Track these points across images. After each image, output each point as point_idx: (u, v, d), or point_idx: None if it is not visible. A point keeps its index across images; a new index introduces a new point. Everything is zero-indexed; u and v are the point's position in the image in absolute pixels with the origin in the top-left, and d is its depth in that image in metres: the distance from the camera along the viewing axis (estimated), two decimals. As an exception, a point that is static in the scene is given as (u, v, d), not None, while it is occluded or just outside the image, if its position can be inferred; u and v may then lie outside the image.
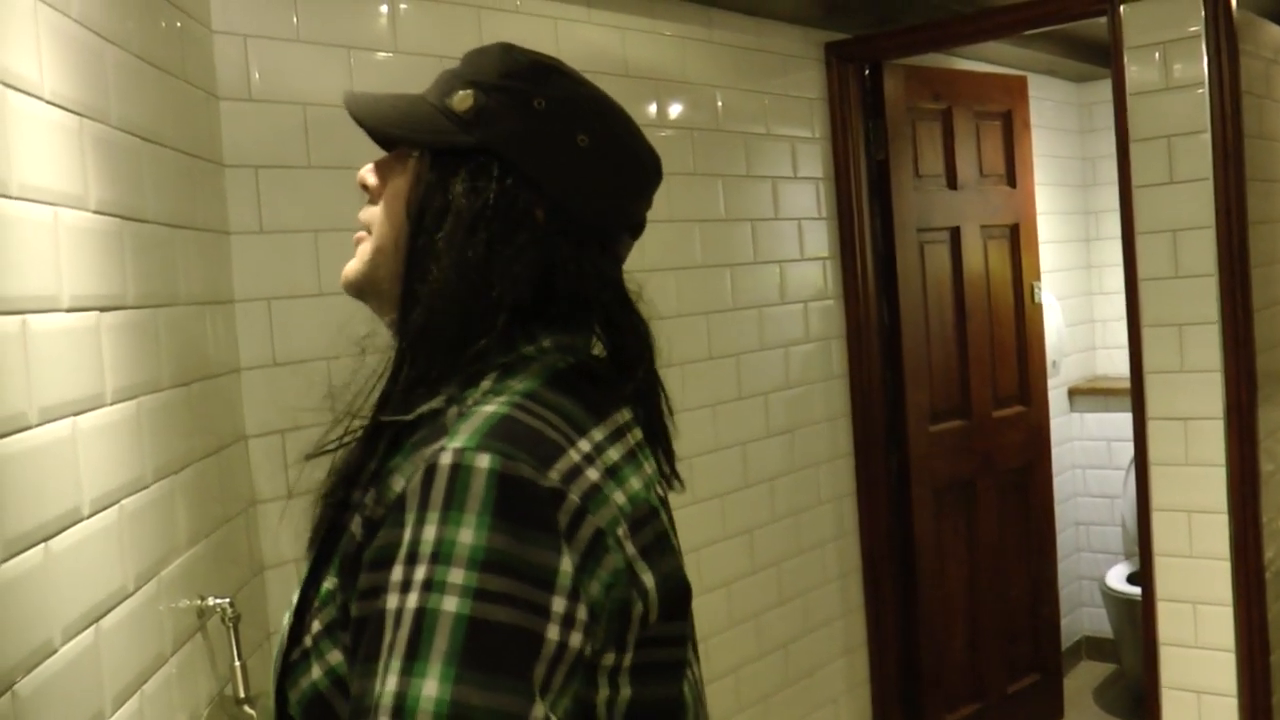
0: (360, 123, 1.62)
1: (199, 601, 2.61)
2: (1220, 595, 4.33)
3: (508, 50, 1.63)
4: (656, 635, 1.47)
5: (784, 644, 4.88)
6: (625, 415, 1.60)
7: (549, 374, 1.51)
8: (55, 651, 1.88)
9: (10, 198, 1.84)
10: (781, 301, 4.88)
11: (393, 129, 1.61)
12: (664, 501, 1.63)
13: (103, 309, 2.19)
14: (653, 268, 4.26)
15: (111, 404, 2.21)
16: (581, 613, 1.32)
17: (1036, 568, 6.01)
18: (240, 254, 3.13)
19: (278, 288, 3.20)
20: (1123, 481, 6.72)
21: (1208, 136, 4.19)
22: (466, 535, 1.29)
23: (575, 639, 1.32)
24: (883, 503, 5.29)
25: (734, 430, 4.65)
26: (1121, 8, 4.33)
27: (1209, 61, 4.19)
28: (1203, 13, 4.18)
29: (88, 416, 2.09)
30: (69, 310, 2.04)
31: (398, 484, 1.37)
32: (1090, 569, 7.11)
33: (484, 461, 1.32)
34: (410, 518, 1.32)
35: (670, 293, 4.35)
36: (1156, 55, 4.29)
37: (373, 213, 1.63)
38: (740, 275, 4.69)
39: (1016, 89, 5.88)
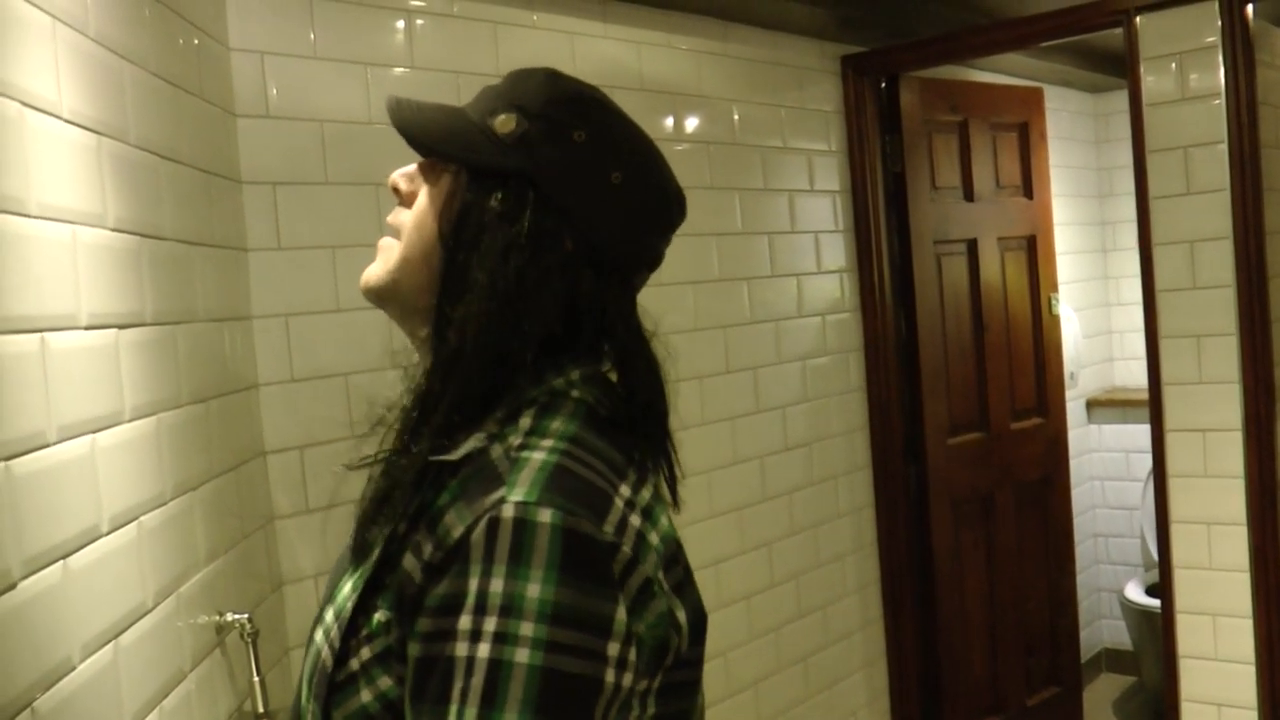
0: (403, 131, 1.62)
1: (218, 617, 2.62)
2: (1240, 607, 4.32)
3: (553, 78, 1.66)
4: (681, 660, 1.51)
5: (804, 657, 4.88)
6: (641, 449, 1.62)
7: (584, 413, 1.55)
8: (74, 669, 1.88)
9: (29, 216, 1.85)
10: (799, 314, 4.89)
11: (436, 143, 1.62)
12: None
13: (121, 326, 2.20)
14: (671, 281, 4.26)
15: (130, 421, 2.21)
16: (632, 654, 1.40)
17: (1055, 580, 5.99)
18: (258, 270, 3.14)
19: (295, 304, 3.20)
20: (1141, 493, 6.70)
21: (1224, 147, 4.18)
22: (534, 590, 1.34)
23: (627, 679, 1.39)
24: (901, 515, 5.28)
25: (752, 444, 4.65)
26: (1137, 18, 4.33)
27: (1225, 72, 4.18)
28: (1219, 23, 4.18)
29: (106, 434, 2.10)
30: (87, 328, 2.05)
31: (456, 529, 1.40)
32: (1109, 581, 7.09)
33: (546, 516, 1.37)
34: (476, 569, 1.36)
35: (688, 306, 4.36)
36: (1173, 66, 4.28)
37: (402, 218, 1.64)
38: (757, 288, 4.69)
39: (1032, 100, 5.87)
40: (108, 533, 2.07)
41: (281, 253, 3.17)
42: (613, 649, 1.37)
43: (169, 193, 2.52)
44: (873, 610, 5.25)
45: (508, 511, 1.37)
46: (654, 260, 1.71)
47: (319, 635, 1.57)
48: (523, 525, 1.36)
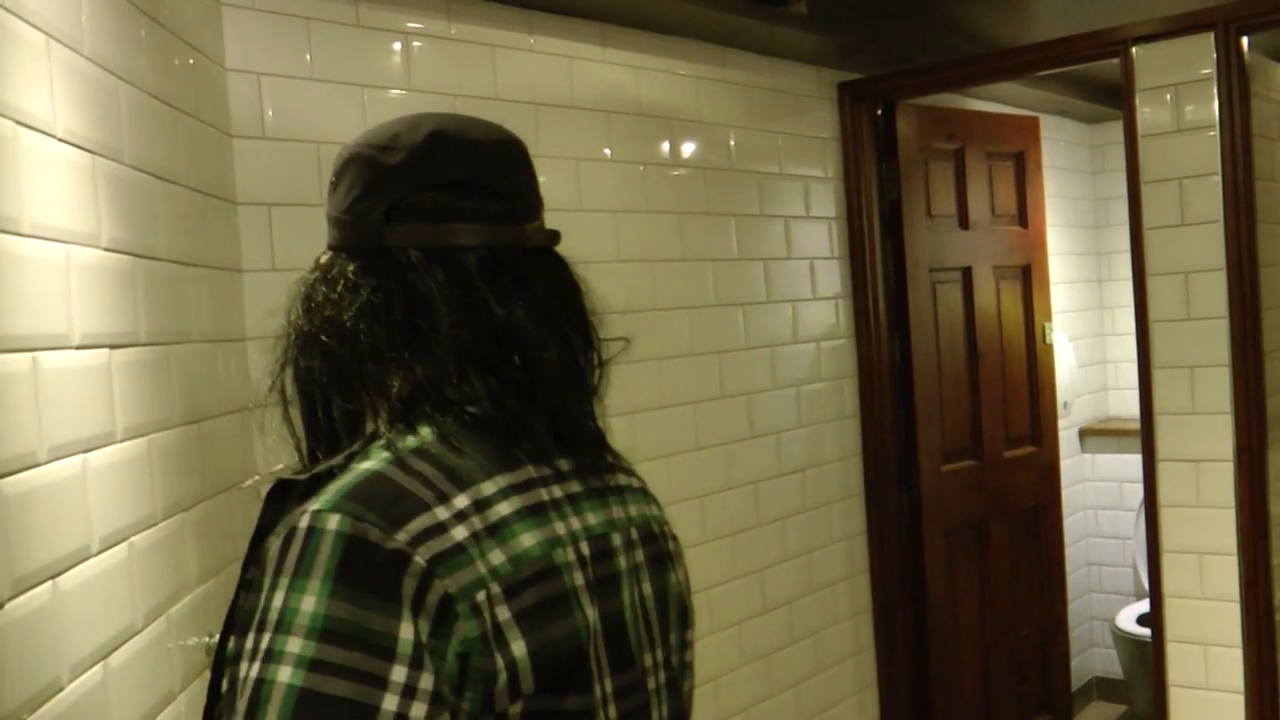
0: None
1: (208, 639, 2.61)
2: (1230, 637, 4.32)
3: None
4: (542, 709, 1.40)
5: (795, 683, 4.87)
6: (548, 470, 1.52)
7: (467, 424, 1.48)
8: (63, 689, 1.88)
9: (22, 236, 1.85)
10: (794, 341, 4.89)
11: None
12: (598, 557, 1.52)
13: (114, 346, 2.20)
14: (667, 306, 4.27)
15: (122, 441, 2.21)
16: (427, 682, 1.29)
17: (1048, 608, 5.99)
18: (252, 292, 3.13)
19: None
20: (1134, 523, 6.70)
21: (1219, 179, 4.19)
22: (308, 603, 1.28)
23: (418, 710, 1.28)
24: (894, 542, 5.28)
25: (746, 469, 4.65)
26: (1133, 49, 4.34)
27: (1220, 104, 4.19)
28: (1214, 55, 4.19)
29: (98, 454, 2.10)
30: (79, 348, 2.05)
31: (272, 544, 1.36)
32: (1101, 610, 7.09)
33: (333, 523, 1.32)
34: (267, 582, 1.32)
35: (683, 331, 4.36)
36: (1168, 97, 4.29)
37: None
38: (753, 314, 4.69)
39: (1029, 129, 5.89)
40: (98, 553, 2.06)
41: (276, 274, 3.17)
42: (396, 673, 1.27)
43: (163, 213, 2.52)
44: (865, 637, 5.25)
45: (304, 521, 1.33)
46: (483, 206, 1.59)
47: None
48: (310, 533, 1.31)
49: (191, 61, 2.83)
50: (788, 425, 4.86)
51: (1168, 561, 4.42)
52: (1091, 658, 7.13)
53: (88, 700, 1.97)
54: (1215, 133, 4.20)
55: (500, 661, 1.34)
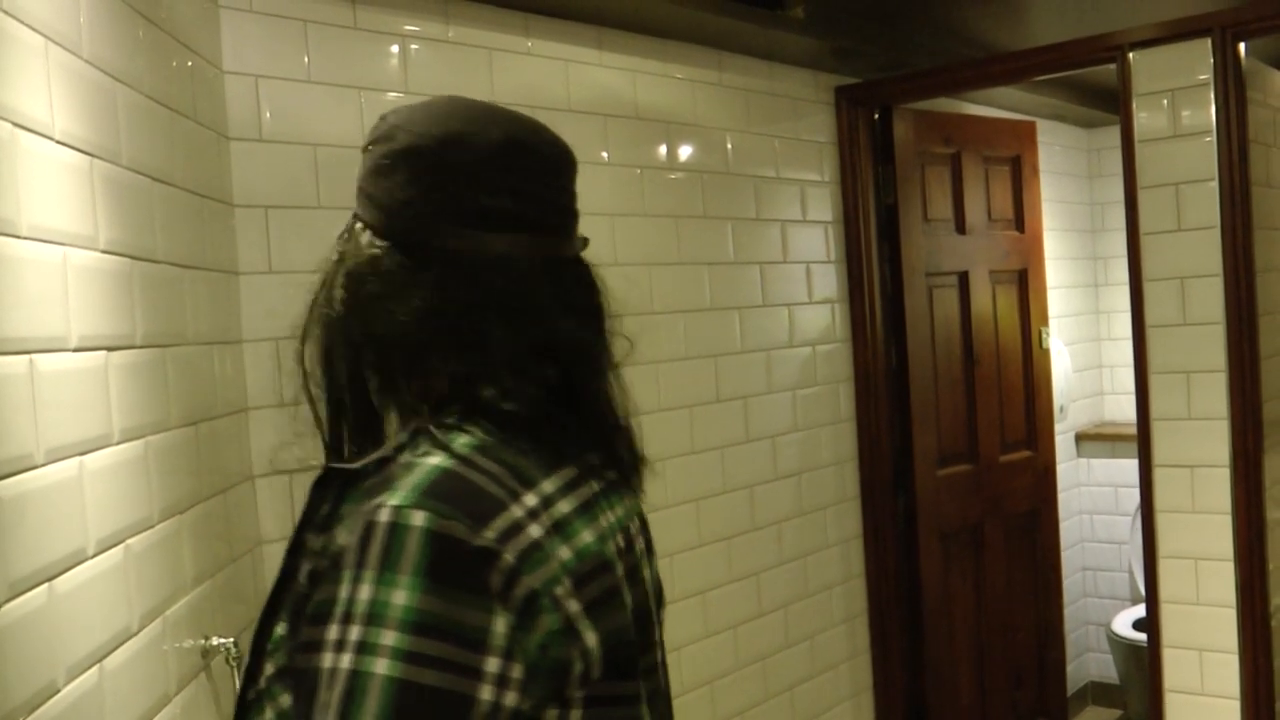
0: None
1: (204, 641, 2.61)
2: (1226, 643, 4.32)
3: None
4: (604, 694, 1.46)
5: (791, 686, 4.87)
6: (585, 461, 1.57)
7: (504, 422, 1.50)
8: (59, 692, 1.88)
9: (20, 238, 1.85)
10: (790, 344, 4.89)
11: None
12: (627, 548, 1.59)
13: (110, 349, 2.19)
14: (663, 310, 4.27)
15: (118, 444, 2.21)
16: (516, 671, 1.33)
17: (1043, 612, 5.99)
18: (249, 294, 3.13)
19: (286, 328, 3.18)
20: (1130, 528, 6.70)
21: (1215, 184, 4.19)
22: (400, 596, 1.29)
23: (510, 698, 1.32)
24: (890, 546, 5.28)
25: (742, 473, 4.65)
26: (1130, 55, 4.34)
27: (1217, 109, 4.19)
28: (1211, 60, 4.19)
29: (94, 456, 2.10)
30: (76, 350, 2.05)
31: (341, 536, 1.38)
32: (1097, 614, 7.09)
33: (418, 520, 1.33)
34: (347, 575, 1.33)
35: (679, 335, 4.36)
36: (1165, 102, 4.30)
37: None
38: (749, 318, 4.69)
39: (1025, 134, 5.89)
40: (94, 555, 2.06)
41: (273, 276, 3.17)
42: (490, 664, 1.31)
43: (161, 215, 2.52)
44: (860, 641, 5.25)
45: (383, 515, 1.34)
46: (544, 217, 1.62)
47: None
48: (394, 529, 1.32)
49: (189, 64, 2.83)
50: (783, 429, 4.86)
51: (1164, 567, 4.42)
52: (1087, 662, 7.13)
53: (84, 703, 1.97)
54: (1212, 138, 4.20)
55: (575, 652, 1.40)
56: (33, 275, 1.90)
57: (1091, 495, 7.14)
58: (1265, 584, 4.26)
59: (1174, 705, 4.46)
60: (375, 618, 1.29)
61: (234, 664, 2.67)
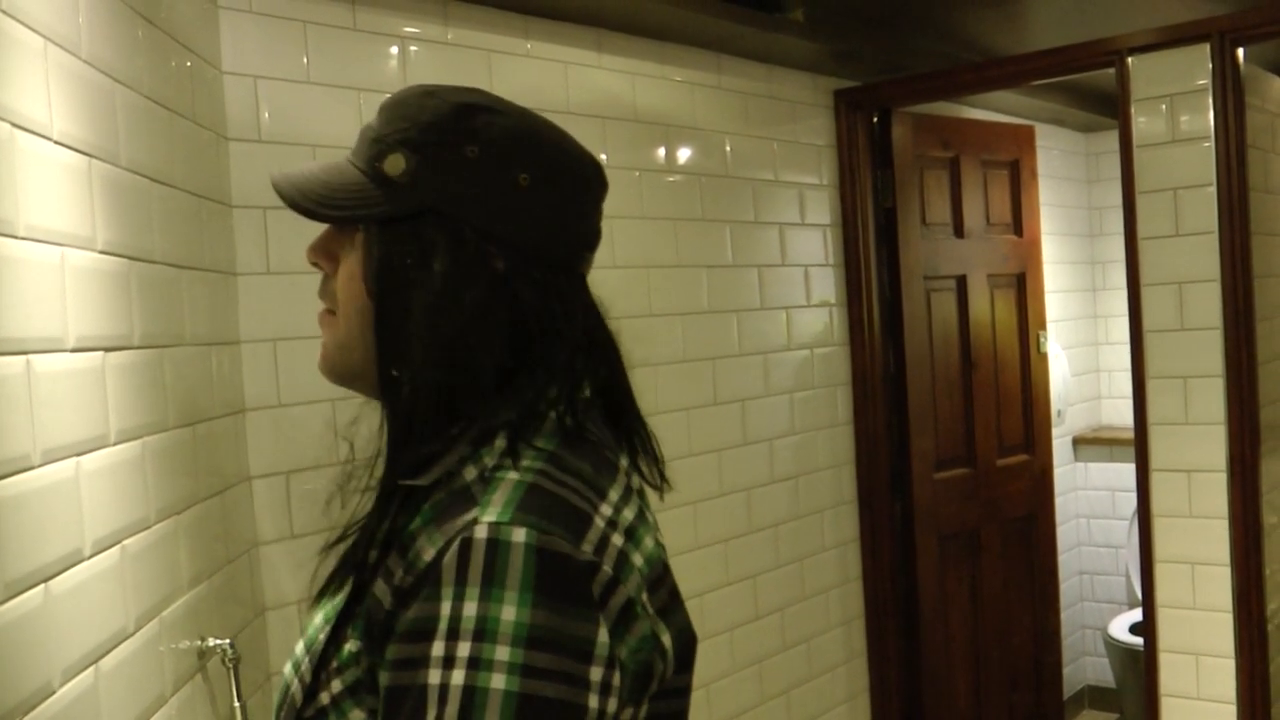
0: (294, 206, 1.56)
1: (200, 643, 2.61)
2: (1223, 647, 4.32)
3: (428, 96, 1.58)
4: (668, 688, 1.49)
5: (786, 690, 4.87)
6: (624, 461, 1.58)
7: (563, 431, 1.50)
8: (54, 693, 1.87)
9: (17, 238, 1.85)
10: (787, 347, 4.89)
11: (331, 210, 1.56)
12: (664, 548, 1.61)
13: (108, 349, 2.19)
14: (661, 312, 4.27)
15: (115, 445, 2.21)
16: (616, 679, 1.35)
17: (1040, 616, 5.99)
18: (247, 295, 3.13)
19: (284, 329, 3.20)
20: (1127, 532, 6.71)
21: (1213, 189, 4.20)
22: (509, 612, 1.29)
23: (612, 705, 1.34)
24: (886, 550, 5.28)
25: (738, 476, 4.65)
26: (1129, 59, 4.35)
27: (1215, 115, 4.19)
28: (1210, 66, 4.19)
29: (91, 457, 2.09)
30: (74, 350, 2.05)
31: (427, 553, 1.36)
32: (1094, 618, 7.10)
33: (520, 536, 1.32)
34: (448, 592, 1.32)
35: (677, 337, 4.36)
36: (1163, 107, 4.30)
37: (332, 291, 1.60)
38: (747, 321, 4.69)
39: (1024, 138, 5.89)
40: (90, 556, 2.06)
41: (271, 277, 3.17)
42: (595, 673, 1.32)
43: (159, 216, 2.52)
44: (857, 644, 5.25)
45: (480, 532, 1.32)
46: (592, 240, 1.64)
47: (288, 669, 1.55)
48: (495, 546, 1.31)
49: (188, 64, 2.83)
50: (781, 432, 4.86)
51: (1161, 571, 4.42)
52: (1083, 666, 7.13)
53: (79, 704, 1.97)
54: (1210, 143, 4.20)
55: (657, 654, 1.43)
56: (30, 276, 1.90)
57: (1089, 499, 7.15)
58: (1262, 589, 4.26)
59: (1170, 709, 4.46)
60: (486, 634, 1.29)
61: (230, 665, 2.66)
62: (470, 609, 1.30)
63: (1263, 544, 4.26)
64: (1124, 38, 4.37)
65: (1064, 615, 6.47)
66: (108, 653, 2.11)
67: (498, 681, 1.27)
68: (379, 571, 1.43)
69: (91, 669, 2.03)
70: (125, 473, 2.25)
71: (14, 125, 1.86)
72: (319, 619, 1.54)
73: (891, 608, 5.29)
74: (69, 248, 2.05)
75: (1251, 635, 4.27)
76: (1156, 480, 4.41)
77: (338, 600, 1.50)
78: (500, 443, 1.46)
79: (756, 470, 4.74)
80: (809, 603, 4.99)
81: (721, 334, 4.58)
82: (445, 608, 1.31)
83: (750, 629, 4.70)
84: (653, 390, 4.24)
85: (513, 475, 1.41)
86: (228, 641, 2.67)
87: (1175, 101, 4.28)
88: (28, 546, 1.82)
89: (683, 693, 1.54)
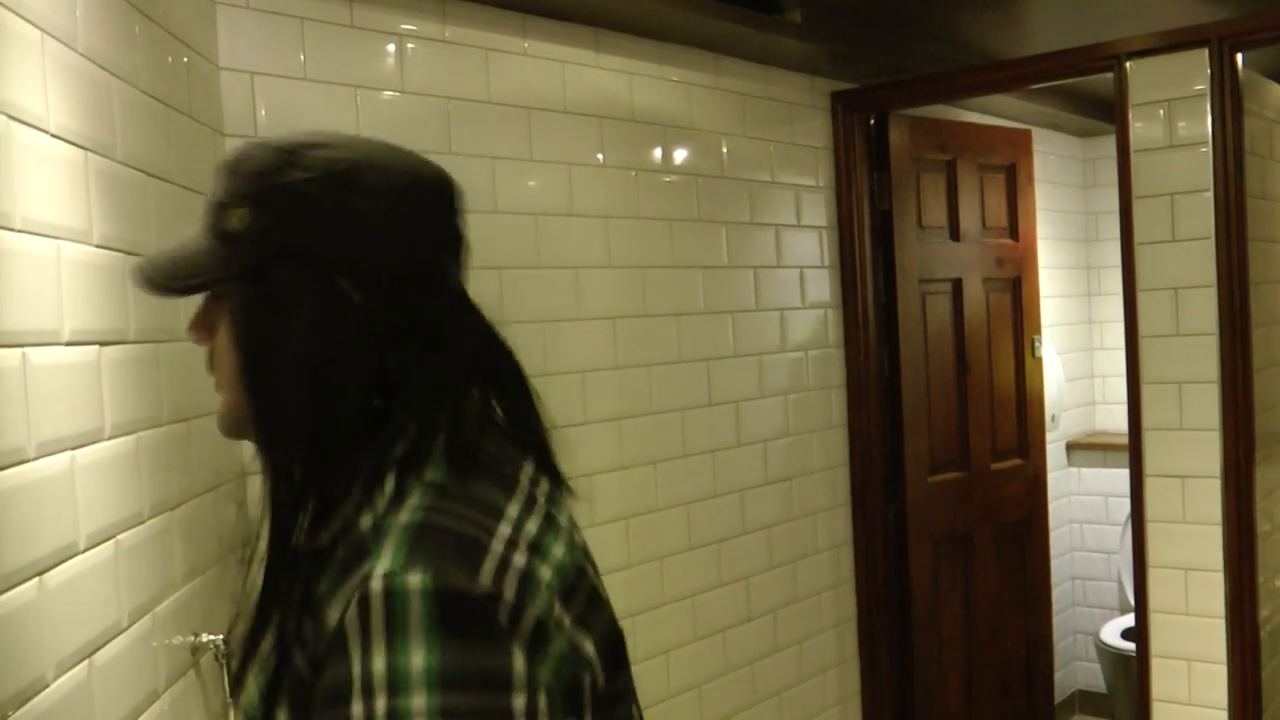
0: (151, 287, 1.55)
1: (193, 638, 2.60)
2: (1215, 653, 4.32)
3: (255, 148, 1.53)
4: (605, 695, 1.46)
5: (778, 692, 4.86)
6: (529, 470, 1.55)
7: (451, 456, 1.46)
8: (48, 686, 1.87)
9: (14, 231, 1.85)
10: (782, 349, 4.89)
11: (185, 282, 1.54)
12: (585, 545, 1.59)
13: (103, 343, 2.19)
14: (656, 313, 4.27)
15: (110, 439, 2.21)
16: (541, 702, 1.32)
17: (1032, 621, 5.99)
18: (243, 291, 3.12)
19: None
20: (1120, 537, 6.71)
21: (1210, 195, 4.19)
22: (418, 659, 1.27)
23: None
24: (880, 552, 5.28)
25: (732, 477, 4.65)
26: (1128, 64, 4.34)
27: (1213, 120, 4.19)
28: (1208, 71, 4.19)
29: (86, 451, 2.09)
30: (69, 344, 2.04)
31: (333, 615, 1.34)
32: (1086, 623, 7.10)
33: (415, 582, 1.30)
34: (355, 651, 1.29)
35: (672, 338, 4.36)
36: (1161, 113, 4.30)
37: (216, 364, 1.58)
38: (742, 322, 4.69)
39: (1021, 142, 5.89)
40: (85, 550, 2.06)
41: (266, 274, 3.16)
42: (518, 702, 1.29)
43: (155, 210, 2.51)
44: (849, 647, 5.25)
45: (376, 585, 1.30)
46: (452, 246, 1.57)
47: None
48: (391, 596, 1.29)
49: (185, 59, 2.83)
50: (775, 434, 4.86)
51: (1154, 576, 4.42)
52: (1075, 671, 7.13)
53: (72, 698, 1.97)
54: (1208, 149, 4.20)
55: (582, 666, 1.41)
56: (26, 269, 1.89)
57: (1082, 504, 7.14)
58: (1255, 595, 4.26)
59: (1161, 715, 4.46)
60: (399, 684, 1.26)
61: (222, 661, 2.66)
62: (379, 663, 1.28)
63: (1256, 550, 4.26)
64: (1122, 42, 4.37)
65: (1056, 620, 6.47)
66: (101, 647, 2.11)
67: None
68: (298, 640, 1.42)
69: (85, 663, 2.03)
70: (120, 467, 2.25)
71: (11, 118, 1.86)
72: (252, 690, 1.51)
73: (884, 610, 5.29)
74: (65, 241, 2.05)
75: (1244, 641, 4.27)
76: (1151, 486, 4.41)
77: (265, 672, 1.48)
78: (390, 483, 1.43)
79: (750, 472, 4.74)
80: (802, 605, 4.98)
81: (716, 335, 4.58)
82: (356, 667, 1.29)
83: (743, 630, 4.69)
84: (647, 390, 4.24)
85: (402, 518, 1.38)
86: (221, 637, 2.67)
87: (1173, 107, 4.28)
88: (22, 539, 1.82)
89: (623, 698, 1.52)
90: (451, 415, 1.49)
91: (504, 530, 1.40)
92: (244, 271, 1.48)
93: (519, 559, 1.38)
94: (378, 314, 1.47)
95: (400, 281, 1.49)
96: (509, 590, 1.34)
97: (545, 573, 1.41)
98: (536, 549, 1.42)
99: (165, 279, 1.54)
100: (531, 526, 1.45)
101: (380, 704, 1.26)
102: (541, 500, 1.52)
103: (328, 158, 1.49)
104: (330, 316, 1.45)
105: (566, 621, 1.41)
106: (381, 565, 1.32)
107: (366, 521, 1.41)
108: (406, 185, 1.52)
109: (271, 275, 1.47)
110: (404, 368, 1.49)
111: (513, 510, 1.44)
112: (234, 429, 1.58)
